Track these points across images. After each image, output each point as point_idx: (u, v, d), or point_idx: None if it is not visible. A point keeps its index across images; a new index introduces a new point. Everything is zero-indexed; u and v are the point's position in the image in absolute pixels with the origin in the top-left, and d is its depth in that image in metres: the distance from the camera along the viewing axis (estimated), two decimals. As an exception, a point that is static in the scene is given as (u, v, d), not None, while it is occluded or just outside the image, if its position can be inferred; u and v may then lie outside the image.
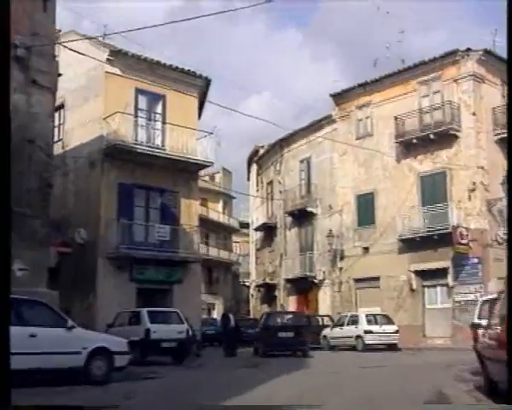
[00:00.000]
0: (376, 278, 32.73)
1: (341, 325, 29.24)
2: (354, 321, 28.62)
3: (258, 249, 45.86)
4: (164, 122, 26.67)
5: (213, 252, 70.32)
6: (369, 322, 28.04)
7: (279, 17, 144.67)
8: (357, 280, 33.89)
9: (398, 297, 31.79)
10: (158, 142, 26.67)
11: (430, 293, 31.00)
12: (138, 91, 26.55)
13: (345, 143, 34.98)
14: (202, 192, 74.60)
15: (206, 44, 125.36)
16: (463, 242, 28.81)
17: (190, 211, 27.53)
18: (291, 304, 38.26)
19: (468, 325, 28.64)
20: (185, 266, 26.74)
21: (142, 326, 20.21)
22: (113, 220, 24.73)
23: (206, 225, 70.46)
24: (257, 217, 44.65)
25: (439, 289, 30.65)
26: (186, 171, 27.20)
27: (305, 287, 37.03)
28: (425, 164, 31.46)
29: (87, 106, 26.11)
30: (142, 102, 26.80)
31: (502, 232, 29.78)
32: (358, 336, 27.75)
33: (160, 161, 26.06)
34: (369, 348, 27.21)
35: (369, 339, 27.45)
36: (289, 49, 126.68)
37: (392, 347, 27.83)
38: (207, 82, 28.77)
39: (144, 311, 20.65)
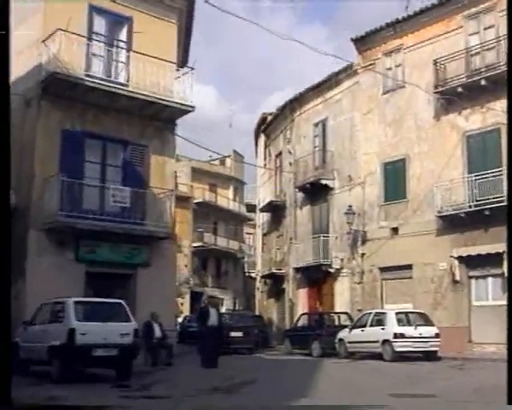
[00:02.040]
0: (408, 267, 25.82)
1: (363, 325, 22.40)
2: (380, 321, 21.77)
3: (264, 234, 39.05)
4: (129, 50, 19.93)
5: (222, 242, 64.01)
6: (400, 322, 21.18)
7: (304, 12, 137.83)
8: (384, 269, 26.97)
9: (436, 291, 24.86)
10: (121, 79, 19.98)
11: (479, 286, 24.00)
12: (94, 10, 19.87)
13: (369, 99, 28.14)
14: (211, 177, 69.08)
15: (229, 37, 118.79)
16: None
17: (164, 171, 20.78)
18: (301, 299, 31.43)
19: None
20: (154, 244, 20.04)
21: (64, 325, 13.56)
22: (52, 179, 18.08)
23: (215, 212, 64.16)
24: (264, 196, 37.73)
25: (490, 280, 23.63)
26: (158, 118, 20.47)
27: (318, 278, 30.20)
28: (473, 120, 24.47)
29: (23, 28, 19.41)
30: (100, 24, 20.11)
31: None
32: (386, 341, 20.90)
33: (122, 103, 19.39)
34: (401, 357, 20.39)
35: (400, 345, 20.60)
36: (314, 43, 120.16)
37: (430, 355, 20.97)
38: (191, 6, 22.03)
39: (70, 302, 13.95)
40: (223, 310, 56.66)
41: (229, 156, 70.34)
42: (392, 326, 20.89)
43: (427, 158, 25.74)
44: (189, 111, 20.33)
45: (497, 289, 23.26)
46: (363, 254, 27.68)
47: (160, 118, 20.46)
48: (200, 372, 17.15)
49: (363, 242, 27.70)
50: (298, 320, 28.03)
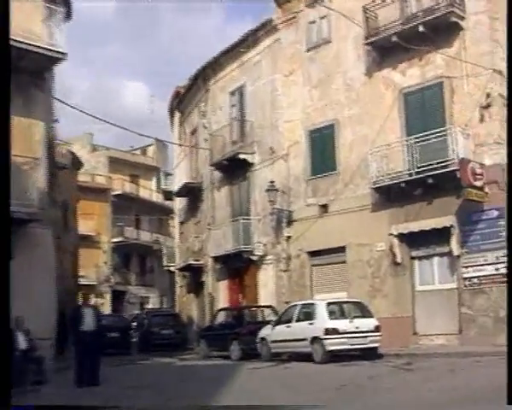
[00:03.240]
0: (341, 250, 22.14)
1: (288, 321, 18.55)
2: (308, 314, 18.00)
3: (181, 222, 34.81)
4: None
5: (146, 237, 59.51)
6: (332, 315, 17.44)
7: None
8: (313, 254, 23.21)
9: (374, 276, 21.24)
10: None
11: (423, 267, 20.47)
12: None
13: (292, 58, 24.35)
14: (132, 167, 64.32)
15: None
16: (477, 184, 18.33)
17: (30, 136, 16.37)
18: (222, 292, 27.40)
19: (487, 313, 18.35)
20: (19, 229, 15.63)
21: None
22: None
23: (137, 205, 59.48)
24: (179, 179, 33.42)
25: (436, 260, 20.14)
26: (19, 68, 16.04)
27: (239, 267, 26.23)
28: (410, 75, 20.90)
29: None
30: None
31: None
32: (315, 339, 17.09)
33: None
34: (334, 357, 16.68)
35: (332, 343, 16.84)
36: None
37: (369, 353, 17.32)
38: None
39: None
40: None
41: (151, 145, 65.86)
42: (323, 320, 17.11)
43: (359, 122, 22.07)
44: (59, 60, 15.96)
45: (444, 270, 19.86)
46: (288, 238, 23.84)
47: (22, 68, 16.02)
48: (75, 394, 12.95)
49: (289, 223, 23.87)
50: (214, 317, 24.02)
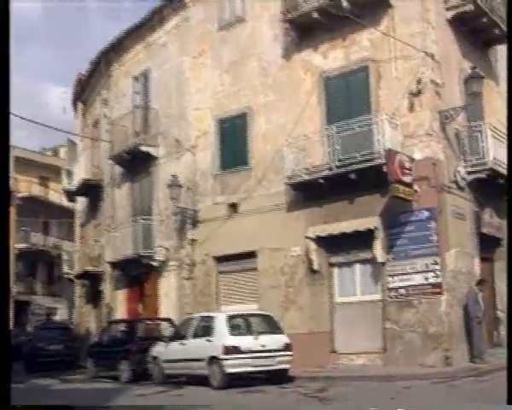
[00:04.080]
0: (251, 255, 19.39)
1: (183, 336, 15.60)
2: (206, 329, 15.09)
3: (82, 225, 31.32)
4: None
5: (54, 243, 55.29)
6: (233, 330, 14.60)
7: None
8: (220, 259, 20.35)
9: (287, 285, 18.56)
10: None
11: (344, 276, 17.93)
12: None
13: (201, 38, 21.54)
14: (42, 169, 59.94)
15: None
16: (405, 179, 15.90)
17: None
18: (120, 302, 24.16)
19: (414, 329, 15.89)
20: None
21: None
22: None
23: (46, 209, 55.25)
24: (79, 176, 29.86)
25: (358, 268, 17.64)
26: None
27: (139, 274, 23.09)
28: (333, 57, 18.43)
29: None
30: None
31: (463, 168, 17.31)
32: (213, 359, 14.20)
33: None
34: (235, 381, 13.87)
35: (232, 364, 14.03)
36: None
37: (278, 376, 14.59)
38: None
39: None
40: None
41: (63, 146, 61.72)
42: (222, 337, 14.30)
43: (275, 110, 19.43)
44: None
45: (367, 279, 17.39)
46: (193, 241, 20.90)
47: None
48: None
49: (194, 224, 20.94)
50: (104, 331, 20.80)
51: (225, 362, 13.91)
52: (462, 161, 17.57)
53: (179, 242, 21.34)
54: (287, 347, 14.80)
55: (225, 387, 13.75)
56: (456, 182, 17.12)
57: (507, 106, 7.05)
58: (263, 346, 14.35)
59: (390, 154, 15.73)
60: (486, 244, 18.47)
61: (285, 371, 14.75)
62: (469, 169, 17.50)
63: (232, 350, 13.93)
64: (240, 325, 15.04)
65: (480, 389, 12.44)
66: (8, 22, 6.45)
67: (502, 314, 19.02)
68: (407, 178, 15.88)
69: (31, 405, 8.56)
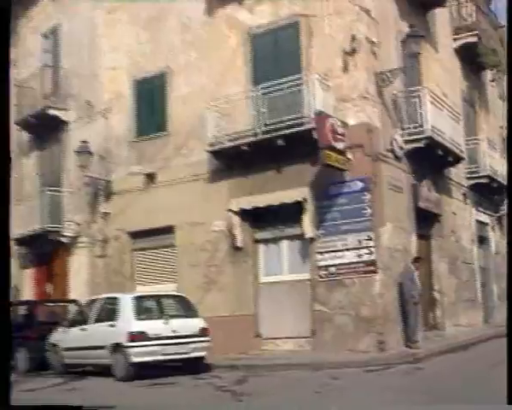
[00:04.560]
0: (169, 230, 17.56)
1: (84, 321, 13.66)
2: (110, 313, 13.17)
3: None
4: None
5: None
6: (140, 314, 12.74)
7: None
8: (136, 235, 18.40)
9: (209, 264, 16.81)
10: None
11: (270, 253, 16.32)
12: None
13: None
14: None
15: None
16: (338, 146, 14.32)
17: None
18: (28, 283, 21.90)
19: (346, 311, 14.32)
20: None
21: None
22: None
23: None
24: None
25: (286, 245, 16.06)
26: None
27: (47, 252, 20.88)
28: (260, 12, 16.68)
29: None
30: None
31: (400, 136, 15.89)
32: (117, 347, 12.34)
33: None
34: (141, 371, 12.05)
35: (138, 352, 12.18)
36: None
37: (193, 365, 12.81)
38: None
39: None
40: None
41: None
42: (127, 321, 12.42)
43: (196, 71, 17.54)
44: None
45: (295, 256, 15.83)
46: (106, 215, 18.87)
47: None
48: None
49: (108, 196, 18.90)
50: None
51: (130, 350, 12.08)
52: (399, 129, 16.17)
53: (91, 216, 19.25)
54: (202, 332, 13.08)
55: (130, 378, 11.94)
56: (392, 151, 15.69)
57: (507, 106, 7.01)
58: (174, 331, 12.57)
59: (321, 117, 14.11)
60: (423, 220, 17.19)
61: (201, 359, 13.04)
62: (407, 138, 16.13)
63: (138, 336, 12.11)
64: (148, 307, 13.21)
65: (416, 379, 11.04)
66: (8, 22, 6.33)
67: (438, 295, 17.81)
68: (339, 145, 14.30)
69: (31, 405, 8.30)
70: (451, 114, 17.73)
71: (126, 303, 12.73)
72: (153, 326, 12.42)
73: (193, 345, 12.76)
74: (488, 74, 24.21)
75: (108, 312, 13.13)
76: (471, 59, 21.97)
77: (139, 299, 13.09)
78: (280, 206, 15.43)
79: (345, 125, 14.66)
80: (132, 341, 12.08)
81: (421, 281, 15.95)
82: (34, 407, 8.08)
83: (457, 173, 20.07)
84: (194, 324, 13.02)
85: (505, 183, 22.96)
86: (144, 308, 13.01)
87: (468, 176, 21.00)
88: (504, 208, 23.99)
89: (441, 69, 19.85)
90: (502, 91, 27.02)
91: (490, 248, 22.84)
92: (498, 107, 26.40)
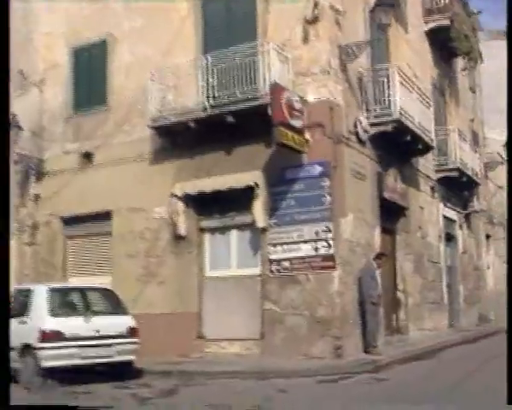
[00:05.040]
0: (106, 216, 15.65)
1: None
2: (22, 307, 11.20)
3: None
4: None
5: None
6: (55, 309, 10.84)
7: None
8: (69, 221, 16.44)
9: (148, 254, 14.98)
10: None
11: (217, 244, 14.55)
12: None
13: None
14: None
15: None
16: (294, 124, 12.60)
17: None
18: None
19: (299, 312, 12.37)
20: None
21: None
22: None
23: None
24: None
25: (235, 235, 14.32)
26: None
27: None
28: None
29: None
30: None
31: (365, 118, 14.25)
32: (27, 348, 10.43)
33: None
34: (61, 375, 10.17)
35: (52, 355, 10.30)
36: None
37: (119, 370, 10.96)
38: None
39: None
40: None
41: None
42: (40, 318, 10.53)
43: (141, 39, 15.67)
44: None
45: (245, 248, 14.11)
46: (37, 197, 16.89)
47: None
48: None
49: (39, 176, 16.92)
50: None
51: (42, 353, 10.20)
52: (365, 110, 14.54)
53: (20, 198, 17.19)
54: (131, 332, 11.25)
55: (40, 386, 10.06)
56: (356, 134, 14.05)
57: (507, 107, 7.05)
58: (97, 331, 10.72)
59: (276, 89, 12.38)
60: (388, 213, 15.60)
61: (128, 364, 11.20)
62: (372, 120, 14.52)
63: (52, 336, 10.24)
64: (67, 302, 11.32)
65: (377, 390, 9.44)
66: (8, 22, 6.33)
67: (402, 296, 16.25)
68: (296, 123, 12.60)
69: (31, 405, 8.09)
70: (422, 98, 16.19)
71: (40, 296, 10.83)
72: (71, 324, 10.56)
73: (119, 347, 10.92)
74: (459, 62, 22.79)
75: (20, 306, 11.17)
76: (442, 43, 20.51)
77: (56, 291, 11.19)
78: (229, 191, 13.67)
79: (303, 101, 12.97)
80: (45, 341, 10.19)
81: (383, 280, 14.42)
82: (34, 407, 7.93)
83: (425, 165, 18.57)
84: (122, 322, 11.18)
85: (475, 177, 21.63)
86: (61, 303, 11.14)
87: (437, 168, 19.54)
88: (474, 205, 22.67)
89: (411, 51, 18.32)
90: (472, 83, 25.70)
91: (457, 247, 21.43)
92: (469, 99, 25.06)
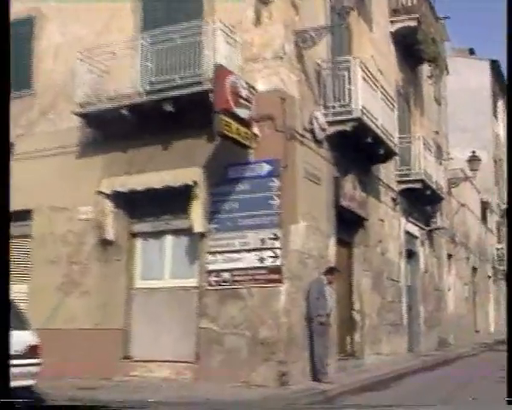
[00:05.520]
0: (25, 215, 13.67)
1: None
2: None
3: None
4: None
5: None
6: None
7: None
8: (-17, 220, 14.44)
9: (71, 261, 13.08)
10: None
11: (149, 251, 12.73)
12: None
13: None
14: None
15: None
16: (240, 113, 10.89)
17: None
18: None
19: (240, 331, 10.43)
20: None
21: None
22: None
23: None
24: None
25: (170, 240, 12.51)
26: None
27: None
28: None
29: None
30: None
31: (323, 115, 12.64)
32: None
33: None
34: None
35: None
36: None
37: (15, 397, 8.92)
38: None
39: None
40: None
41: None
42: None
43: (72, 17, 13.86)
44: None
45: (181, 257, 12.29)
46: None
47: None
48: None
49: (-48, 169, 14.88)
50: None
51: None
52: (322, 106, 12.93)
53: None
54: (31, 351, 9.32)
55: None
56: (312, 131, 12.42)
57: (507, 107, 5.53)
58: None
59: (220, 72, 10.67)
60: (346, 223, 14.01)
61: (27, 389, 9.26)
62: (331, 118, 12.91)
63: None
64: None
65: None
66: (8, 22, 6.33)
67: (358, 316, 14.61)
68: (243, 113, 10.90)
69: (31, 405, 7.82)
70: (386, 99, 14.68)
71: None
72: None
73: (15, 370, 8.96)
74: (425, 70, 21.47)
75: None
76: (408, 47, 19.12)
77: None
78: (164, 190, 11.90)
79: (252, 89, 11.29)
80: None
81: (338, 297, 12.78)
82: (34, 407, 7.78)
83: (387, 174, 17.07)
84: (21, 340, 9.24)
85: (439, 192, 20.24)
86: None
87: (399, 179, 18.05)
88: (436, 221, 21.26)
89: (375, 51, 16.86)
90: (438, 94, 24.44)
91: (418, 266, 19.93)
92: (433, 111, 23.76)
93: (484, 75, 39.00)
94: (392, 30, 18.68)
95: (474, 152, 24.94)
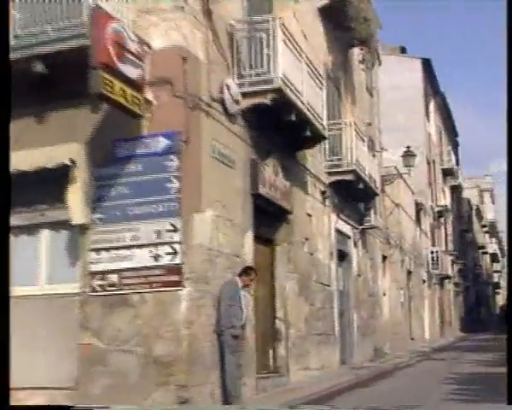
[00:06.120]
0: None
1: None
2: None
3: None
4: None
5: None
6: None
7: None
8: None
9: None
10: None
11: (21, 249, 10.00)
12: None
13: None
14: None
15: None
16: (127, 72, 8.58)
17: None
18: None
19: (128, 347, 8.23)
20: None
21: None
22: None
23: None
24: None
25: (45, 236, 10.05)
26: None
27: None
28: None
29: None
30: None
31: (236, 84, 10.47)
32: None
33: None
34: None
35: None
36: None
37: None
38: None
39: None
40: None
41: None
42: None
43: None
44: None
45: (58, 256, 9.89)
46: None
47: None
48: None
49: None
50: None
51: None
52: (236, 75, 10.76)
53: None
54: None
55: None
56: (222, 102, 10.22)
57: (507, 107, 6.28)
58: None
59: (98, 16, 8.34)
60: (266, 215, 11.87)
61: None
62: (246, 89, 10.76)
63: None
64: None
65: None
66: (7, 22, 6.32)
67: (282, 326, 12.44)
68: (130, 71, 8.61)
69: (31, 405, 7.78)
70: (312, 72, 12.66)
71: None
72: None
73: None
74: (357, 54, 19.68)
75: None
76: (338, 25, 17.21)
77: None
78: (36, 173, 9.47)
79: (145, 45, 9.03)
80: None
81: (257, 304, 10.62)
82: (34, 407, 7.25)
83: (315, 163, 15.05)
84: None
85: (373, 186, 18.40)
86: None
87: (329, 170, 16.07)
88: (370, 220, 19.42)
89: (301, 26, 14.83)
90: (370, 84, 22.71)
91: (351, 268, 18.02)
92: (366, 101, 22.00)
93: (416, 74, 37.85)
94: (320, 5, 16.74)
95: (408, 147, 23.42)
